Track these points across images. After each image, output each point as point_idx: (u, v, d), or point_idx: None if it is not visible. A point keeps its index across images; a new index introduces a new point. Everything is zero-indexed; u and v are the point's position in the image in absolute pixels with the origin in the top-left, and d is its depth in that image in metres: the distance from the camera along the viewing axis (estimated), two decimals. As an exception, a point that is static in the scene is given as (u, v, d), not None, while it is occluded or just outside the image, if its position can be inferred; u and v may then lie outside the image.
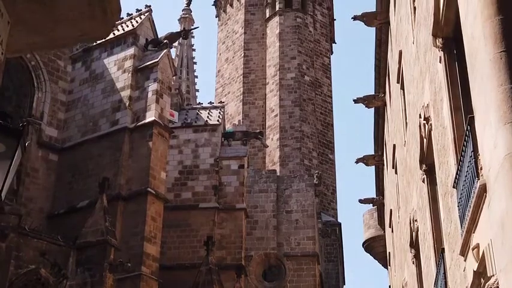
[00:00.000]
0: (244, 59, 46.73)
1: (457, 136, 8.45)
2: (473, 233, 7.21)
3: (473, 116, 6.98)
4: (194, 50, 65.17)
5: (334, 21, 51.61)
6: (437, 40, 9.24)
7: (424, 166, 11.73)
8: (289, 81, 44.16)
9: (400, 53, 15.39)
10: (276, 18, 46.42)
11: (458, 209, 7.98)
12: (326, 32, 49.20)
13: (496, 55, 6.16)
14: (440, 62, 9.16)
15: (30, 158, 23.46)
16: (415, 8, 12.15)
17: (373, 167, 26.01)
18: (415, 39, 12.21)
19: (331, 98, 47.25)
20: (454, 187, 8.24)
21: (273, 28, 46.46)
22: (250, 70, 46.40)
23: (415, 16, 12.18)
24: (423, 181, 11.87)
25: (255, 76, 46.12)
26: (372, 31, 20.01)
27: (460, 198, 7.82)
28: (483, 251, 6.61)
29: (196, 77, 64.30)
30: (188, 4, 62.18)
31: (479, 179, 6.67)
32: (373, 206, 29.20)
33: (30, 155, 23.46)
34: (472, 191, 6.97)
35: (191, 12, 60.93)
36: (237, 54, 47.77)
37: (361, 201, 27.56)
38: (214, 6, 52.71)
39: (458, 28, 8.58)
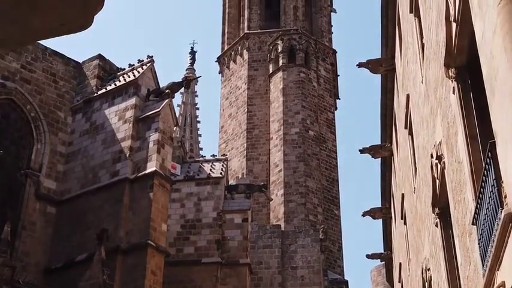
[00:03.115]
0: (248, 115, 46.62)
1: (474, 169, 7.96)
2: (498, 270, 6.65)
3: (495, 141, 6.51)
4: (198, 108, 65.53)
5: (338, 77, 51.71)
6: (450, 70, 8.85)
7: (436, 209, 11.25)
8: (293, 136, 43.89)
9: (408, 96, 15.07)
10: (280, 74, 46.51)
11: (479, 247, 7.42)
12: (330, 87, 49.23)
13: (519, 70, 5.72)
14: (453, 93, 8.74)
15: (27, 211, 22.97)
16: (423, 44, 11.84)
17: (381, 220, 25.53)
18: (424, 77, 11.87)
19: (336, 153, 46.89)
20: (473, 224, 7.69)
21: (277, 83, 46.50)
22: (253, 125, 46.22)
23: (423, 54, 11.87)
24: (436, 225, 11.35)
25: (258, 131, 45.90)
26: (375, 87, 19.87)
27: (481, 234, 7.27)
28: (510, 289, 6.04)
29: (200, 135, 64.36)
30: (192, 63, 62.74)
31: (503, 209, 6.15)
32: (381, 261, 28.57)
33: (27, 208, 22.97)
34: (496, 223, 6.45)
35: (195, 71, 61.46)
36: (241, 110, 47.70)
37: (368, 256, 26.89)
38: (217, 63, 52.93)
39: (472, 56, 8.22)
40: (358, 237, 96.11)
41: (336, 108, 49.89)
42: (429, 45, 10.86)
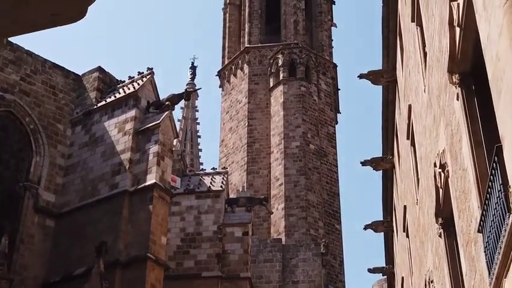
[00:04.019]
0: (248, 128, 46.50)
1: (480, 175, 7.82)
2: (505, 278, 6.49)
3: (501, 145, 6.38)
4: (198, 123, 65.57)
5: (339, 91, 51.66)
6: (453, 76, 8.73)
7: (440, 220, 11.11)
8: (294, 149, 43.74)
9: (410, 107, 14.99)
10: (280, 87, 46.43)
11: (485, 255, 7.26)
12: (330, 101, 49.15)
13: (527, 70, 5.61)
14: (457, 99, 8.62)
15: (26, 223, 22.73)
16: (425, 53, 11.75)
17: (382, 234, 25.36)
18: (427, 86, 11.76)
19: (337, 167, 46.71)
20: (479, 231, 7.53)
21: (277, 97, 46.42)
22: (254, 139, 46.08)
23: (425, 63, 11.78)
24: (440, 236, 11.19)
25: (259, 145, 45.75)
26: (375, 101, 19.81)
27: (487, 242, 7.11)
28: (519, 296, 5.87)
29: (201, 150, 64.36)
30: (192, 78, 62.83)
31: (511, 214, 6.00)
32: (383, 275, 28.35)
33: (26, 221, 22.74)
34: (503, 229, 6.29)
35: (195, 86, 61.52)
36: (241, 124, 47.58)
37: (370, 270, 26.70)
38: (218, 77, 52.86)
39: (476, 61, 8.10)
40: (360, 251, 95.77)
41: (336, 122, 49.77)
42: (432, 53, 10.76)
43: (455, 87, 8.67)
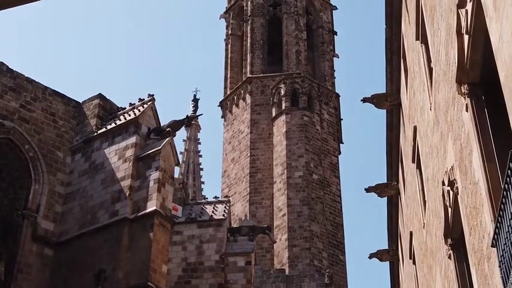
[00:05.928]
0: (251, 159, 46.23)
1: (492, 187, 7.49)
2: (522, 292, 6.11)
3: (516, 150, 6.06)
4: (201, 156, 65.36)
5: (341, 121, 51.44)
6: (462, 87, 8.45)
7: (449, 240, 10.78)
8: (297, 179, 43.39)
9: (415, 128, 14.75)
10: (283, 117, 46.27)
11: (500, 269, 6.90)
12: (333, 131, 48.92)
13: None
14: (467, 110, 8.32)
15: (23, 253, 22.27)
16: (431, 69, 11.52)
17: (388, 263, 24.93)
18: (433, 103, 11.51)
19: (340, 197, 46.31)
20: (492, 246, 7.17)
21: (280, 127, 46.22)
22: (257, 169, 45.78)
23: (431, 79, 11.56)
24: (449, 257, 10.84)
25: (261, 175, 45.43)
26: (379, 132, 19.51)
27: (502, 255, 6.76)
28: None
29: (203, 182, 64.01)
30: (194, 111, 62.69)
31: (528, 222, 5.67)
32: (388, 306, 27.81)
33: (24, 250, 22.30)
34: (520, 239, 5.94)
35: (197, 118, 61.33)
36: (243, 154, 47.31)
37: (375, 301, 26.14)
38: (220, 107, 52.76)
39: (485, 71, 7.85)
40: (365, 281, 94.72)
41: (339, 153, 49.46)
42: (438, 67, 10.53)
43: (464, 98, 8.40)
